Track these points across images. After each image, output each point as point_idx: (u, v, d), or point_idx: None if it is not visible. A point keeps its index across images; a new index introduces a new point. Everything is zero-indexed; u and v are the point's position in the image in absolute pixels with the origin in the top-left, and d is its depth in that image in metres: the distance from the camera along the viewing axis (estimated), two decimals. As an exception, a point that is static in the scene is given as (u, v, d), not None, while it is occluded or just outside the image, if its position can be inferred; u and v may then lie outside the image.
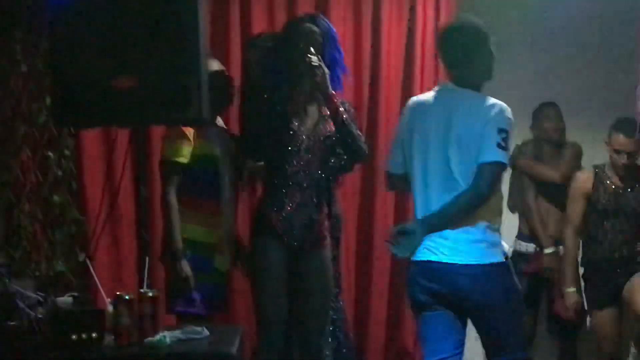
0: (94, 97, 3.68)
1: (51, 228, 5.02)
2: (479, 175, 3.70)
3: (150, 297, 3.48)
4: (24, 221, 4.93)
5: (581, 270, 5.41)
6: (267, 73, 4.40)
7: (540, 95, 5.85)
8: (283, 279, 4.36)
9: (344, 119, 4.31)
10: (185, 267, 4.29)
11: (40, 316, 3.55)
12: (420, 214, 3.84)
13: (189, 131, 4.36)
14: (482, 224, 3.77)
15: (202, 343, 3.52)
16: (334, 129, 4.36)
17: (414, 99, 4.09)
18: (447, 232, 3.75)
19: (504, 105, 3.81)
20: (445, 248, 3.75)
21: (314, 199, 4.36)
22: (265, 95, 4.31)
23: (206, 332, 3.57)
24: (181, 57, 3.63)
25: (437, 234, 3.76)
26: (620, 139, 5.17)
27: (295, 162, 4.32)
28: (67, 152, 5.05)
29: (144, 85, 3.63)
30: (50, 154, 5.02)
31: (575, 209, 5.33)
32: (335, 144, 4.41)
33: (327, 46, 4.36)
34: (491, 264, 3.75)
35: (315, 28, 4.32)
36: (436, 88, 4.03)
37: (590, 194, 5.30)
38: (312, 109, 4.39)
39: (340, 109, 4.30)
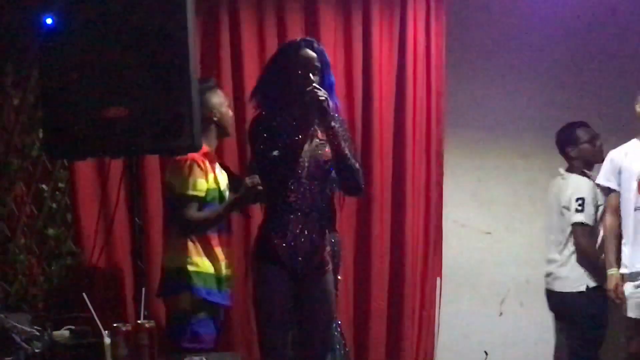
0: (86, 128, 3.68)
1: (47, 261, 5.01)
2: None
3: (148, 327, 3.46)
4: (20, 255, 4.92)
5: None
6: (265, 97, 4.37)
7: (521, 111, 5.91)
8: (288, 309, 4.31)
9: (342, 149, 4.28)
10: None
11: (37, 350, 3.53)
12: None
13: (199, 163, 4.39)
14: None
15: (202, 373, 3.50)
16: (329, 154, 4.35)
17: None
18: None
19: None
20: None
21: (317, 225, 4.34)
22: (274, 123, 4.26)
23: (205, 362, 3.55)
24: (172, 86, 3.63)
25: None
26: None
27: (297, 189, 4.29)
28: (61, 185, 5.04)
29: (136, 115, 3.63)
30: (44, 186, 5.01)
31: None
32: (334, 170, 4.39)
33: (325, 71, 4.35)
34: None
35: (313, 53, 4.31)
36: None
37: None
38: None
39: (342, 142, 4.28)
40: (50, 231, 5.02)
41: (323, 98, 4.18)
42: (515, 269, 6.32)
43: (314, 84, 4.19)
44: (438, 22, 5.86)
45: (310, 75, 4.22)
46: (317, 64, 4.28)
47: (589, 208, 5.52)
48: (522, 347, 6.25)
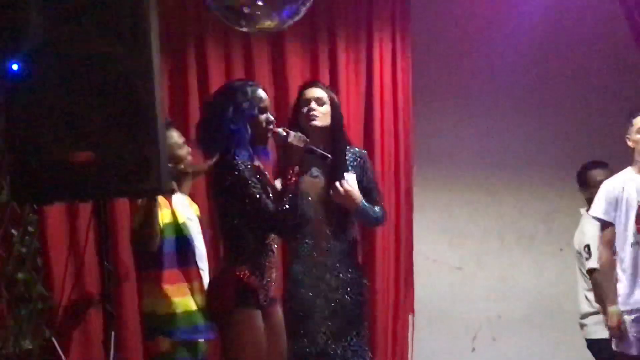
0: (54, 172, 3.68)
1: (17, 305, 4.97)
2: None
3: (118, 372, 3.45)
4: (-11, 300, 4.89)
5: None
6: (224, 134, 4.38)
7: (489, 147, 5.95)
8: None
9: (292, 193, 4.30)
10: None
11: (6, 397, 3.51)
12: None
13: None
14: None
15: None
16: None
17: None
18: None
19: None
20: None
21: (276, 262, 4.39)
22: (250, 165, 4.26)
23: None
24: (138, 129, 3.64)
25: None
26: None
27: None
28: (30, 229, 5.02)
29: (103, 158, 3.63)
30: (13, 231, 4.99)
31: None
32: None
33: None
34: None
35: (263, 92, 4.36)
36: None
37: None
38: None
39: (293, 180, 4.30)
40: (20, 275, 4.99)
41: (308, 140, 4.29)
42: (486, 303, 6.36)
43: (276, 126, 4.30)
44: (404, 59, 5.93)
45: (269, 114, 4.32)
46: (267, 101, 4.35)
47: (596, 252, 5.38)
48: (495, 381, 6.28)
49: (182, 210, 4.56)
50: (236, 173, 4.17)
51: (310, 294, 4.79)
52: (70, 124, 3.63)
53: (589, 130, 6.25)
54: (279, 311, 4.43)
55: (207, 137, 4.34)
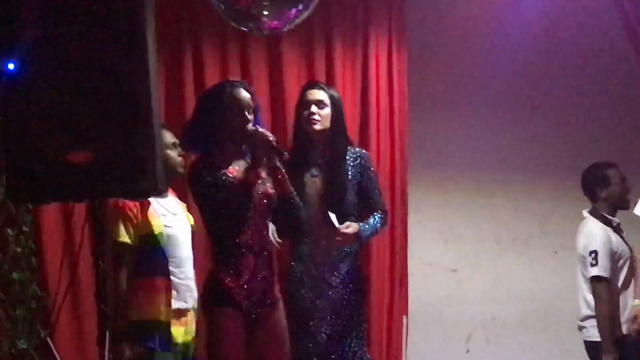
0: (49, 172, 3.68)
1: (12, 305, 4.98)
2: None
3: (112, 372, 3.45)
4: (-16, 300, 4.89)
5: None
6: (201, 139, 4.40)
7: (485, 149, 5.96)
8: (242, 349, 4.29)
9: (287, 188, 4.38)
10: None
11: (0, 397, 3.51)
12: None
13: (131, 208, 4.41)
14: None
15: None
16: (273, 191, 4.41)
17: None
18: None
19: None
20: None
21: (267, 264, 4.37)
22: (214, 165, 4.30)
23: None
24: (134, 129, 3.64)
25: None
26: None
27: (247, 228, 4.31)
28: (25, 229, 5.02)
29: (99, 158, 3.63)
30: (8, 230, 4.99)
31: None
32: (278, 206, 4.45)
33: (257, 113, 4.42)
34: None
35: (247, 94, 4.37)
36: None
37: None
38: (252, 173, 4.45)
39: (287, 180, 4.35)
40: (15, 275, 5.00)
41: (272, 138, 4.28)
42: (481, 305, 6.36)
43: (260, 128, 4.33)
44: (400, 61, 5.93)
45: (247, 114, 4.31)
46: (251, 104, 4.34)
47: (603, 260, 5.28)
48: (490, 383, 6.29)
49: (162, 218, 4.54)
50: (199, 175, 4.27)
51: (311, 294, 4.80)
52: (65, 123, 3.63)
53: (584, 133, 6.26)
54: (277, 314, 4.41)
55: (185, 141, 4.47)
